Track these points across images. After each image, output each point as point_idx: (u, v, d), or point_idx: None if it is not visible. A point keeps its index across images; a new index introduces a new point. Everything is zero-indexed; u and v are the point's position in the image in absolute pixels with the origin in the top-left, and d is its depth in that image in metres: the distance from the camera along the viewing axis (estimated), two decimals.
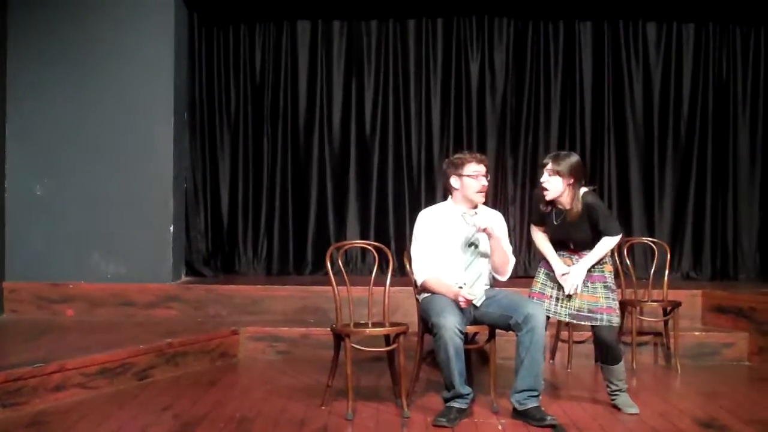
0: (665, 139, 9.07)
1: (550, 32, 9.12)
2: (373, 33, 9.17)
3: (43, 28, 8.05)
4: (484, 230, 5.26)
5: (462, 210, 5.46)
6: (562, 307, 5.36)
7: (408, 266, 5.55)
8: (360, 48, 9.17)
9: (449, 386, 5.12)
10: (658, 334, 7.14)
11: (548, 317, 5.36)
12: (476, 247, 5.40)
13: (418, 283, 5.45)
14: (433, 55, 9.16)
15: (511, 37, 9.12)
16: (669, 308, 6.91)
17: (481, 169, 5.41)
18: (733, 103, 9.03)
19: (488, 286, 5.46)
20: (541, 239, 5.52)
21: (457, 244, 5.41)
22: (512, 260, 5.52)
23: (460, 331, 5.06)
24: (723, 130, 9.02)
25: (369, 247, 5.98)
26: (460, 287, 5.26)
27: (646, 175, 9.06)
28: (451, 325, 5.00)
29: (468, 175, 5.39)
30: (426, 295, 5.42)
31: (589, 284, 5.34)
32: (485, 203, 5.58)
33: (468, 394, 5.16)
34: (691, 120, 9.06)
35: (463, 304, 5.17)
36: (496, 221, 5.49)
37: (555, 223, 5.34)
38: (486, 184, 5.43)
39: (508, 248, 5.53)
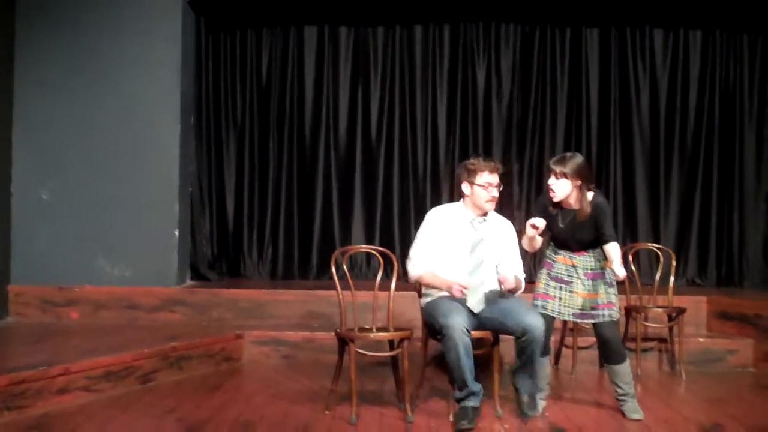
0: (671, 145, 9.06)
1: (556, 38, 9.12)
2: (380, 39, 9.19)
3: (49, 33, 8.07)
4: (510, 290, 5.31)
5: (471, 216, 5.47)
6: (565, 306, 5.39)
7: (403, 265, 5.59)
8: (366, 54, 9.18)
9: (461, 385, 5.11)
10: (662, 340, 7.14)
11: (554, 318, 5.42)
12: (481, 261, 5.42)
13: (412, 277, 5.48)
14: (440, 61, 9.17)
15: (518, 42, 9.13)
16: (674, 314, 6.90)
17: (494, 179, 5.38)
18: (739, 110, 9.01)
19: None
20: None
21: (462, 247, 5.42)
22: (522, 285, 5.50)
23: (468, 330, 5.07)
24: (729, 136, 9.00)
25: (374, 252, 5.98)
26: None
27: (652, 182, 9.04)
28: (459, 324, 5.01)
29: (479, 185, 5.39)
30: (429, 299, 5.44)
31: (589, 282, 5.37)
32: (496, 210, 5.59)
33: (479, 391, 5.16)
34: (698, 127, 9.05)
35: (456, 293, 5.19)
36: (505, 231, 5.54)
37: (561, 225, 5.35)
38: (496, 195, 5.41)
39: (519, 265, 5.56)
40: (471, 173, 5.42)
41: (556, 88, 9.13)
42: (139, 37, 8.11)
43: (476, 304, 5.33)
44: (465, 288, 5.20)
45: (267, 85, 9.17)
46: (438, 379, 6.10)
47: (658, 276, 7.15)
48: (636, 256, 7.48)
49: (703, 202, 9.00)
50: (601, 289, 5.36)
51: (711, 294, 7.98)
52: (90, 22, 8.11)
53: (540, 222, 5.22)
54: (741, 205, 8.96)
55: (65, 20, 8.10)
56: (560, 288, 5.41)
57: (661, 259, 7.20)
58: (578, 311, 5.38)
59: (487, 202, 5.41)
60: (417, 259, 5.47)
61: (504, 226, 5.60)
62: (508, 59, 9.14)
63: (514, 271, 5.46)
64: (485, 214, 5.48)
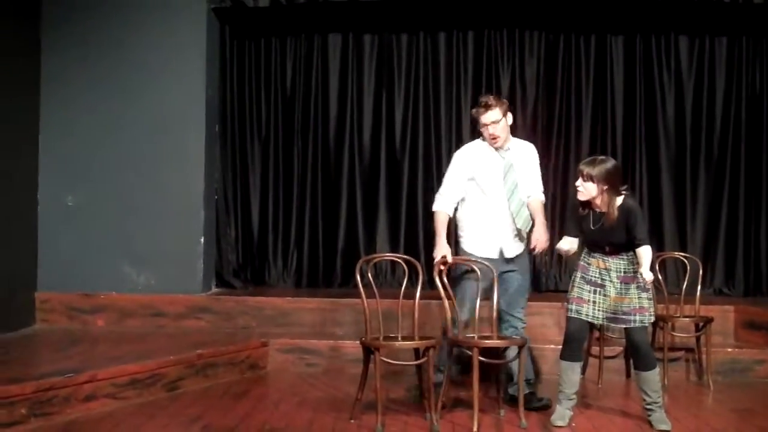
0: (697, 153, 8.96)
1: (581, 45, 9.05)
2: (404, 46, 9.16)
3: (75, 41, 8.14)
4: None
5: (493, 149, 5.85)
6: (598, 310, 5.36)
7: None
8: (391, 61, 9.16)
9: None
10: (690, 350, 7.08)
11: (589, 323, 5.46)
12: (515, 184, 5.81)
13: (433, 209, 5.93)
14: (464, 68, 9.13)
15: (542, 50, 9.07)
16: (701, 324, 6.85)
17: (487, 118, 5.77)
18: (766, 116, 8.91)
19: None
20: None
21: (495, 176, 5.81)
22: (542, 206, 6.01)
23: None
24: (756, 143, 8.90)
25: (398, 260, 5.98)
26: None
27: (678, 190, 8.96)
28: None
29: (482, 126, 5.84)
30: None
31: (622, 286, 5.34)
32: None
33: None
34: (724, 134, 8.95)
35: (437, 266, 5.64)
36: (527, 153, 5.98)
37: (592, 228, 5.33)
38: (494, 132, 5.77)
39: (539, 185, 6.03)
40: (476, 119, 5.92)
41: (580, 96, 9.07)
42: (165, 46, 8.16)
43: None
44: (446, 264, 5.64)
45: (291, 92, 9.17)
46: (461, 387, 6.07)
47: (685, 285, 7.10)
48: (663, 265, 7.44)
49: (730, 210, 8.90)
50: (633, 293, 5.33)
51: (738, 303, 7.91)
52: (114, 30, 8.17)
53: (565, 249, 5.43)
54: None
55: (90, 30, 8.17)
56: (594, 292, 5.38)
57: (688, 268, 7.16)
58: (611, 315, 5.36)
59: (491, 140, 5.81)
60: (440, 195, 5.99)
61: (526, 149, 6.01)
62: (532, 66, 9.09)
63: (536, 191, 5.98)
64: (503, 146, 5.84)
